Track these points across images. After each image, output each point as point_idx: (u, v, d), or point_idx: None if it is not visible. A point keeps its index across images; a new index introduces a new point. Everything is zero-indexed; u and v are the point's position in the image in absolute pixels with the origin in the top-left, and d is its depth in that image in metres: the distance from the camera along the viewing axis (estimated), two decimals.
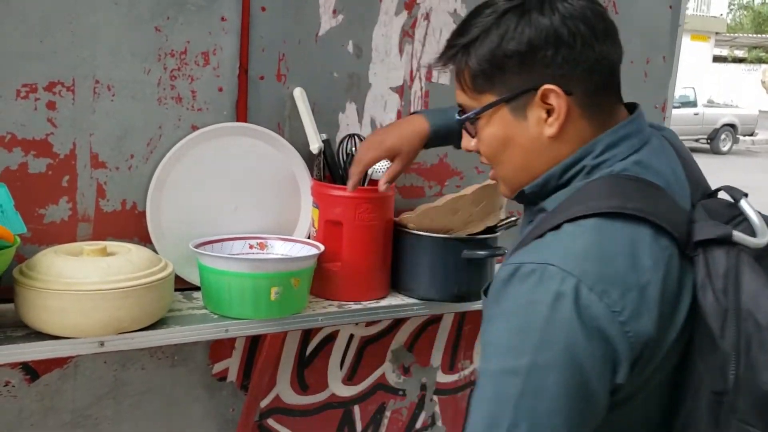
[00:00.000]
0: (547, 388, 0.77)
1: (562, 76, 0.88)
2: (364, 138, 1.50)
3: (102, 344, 1.19)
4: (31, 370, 1.37)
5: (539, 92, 0.89)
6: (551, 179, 0.93)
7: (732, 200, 0.91)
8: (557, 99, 0.88)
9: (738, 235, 0.83)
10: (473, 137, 0.97)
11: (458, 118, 0.97)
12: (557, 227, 0.84)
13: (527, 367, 0.78)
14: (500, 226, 1.51)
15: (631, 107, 0.95)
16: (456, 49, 0.93)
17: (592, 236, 0.83)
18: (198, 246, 1.36)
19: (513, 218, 1.53)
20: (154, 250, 1.35)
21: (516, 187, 0.97)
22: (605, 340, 0.77)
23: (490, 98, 0.92)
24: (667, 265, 0.82)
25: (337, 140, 1.57)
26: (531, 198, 0.96)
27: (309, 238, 1.50)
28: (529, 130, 0.92)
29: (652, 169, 0.90)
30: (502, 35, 0.88)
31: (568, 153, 0.92)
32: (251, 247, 1.46)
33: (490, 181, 1.48)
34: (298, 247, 1.46)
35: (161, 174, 1.38)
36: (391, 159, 1.38)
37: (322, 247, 1.41)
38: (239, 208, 1.47)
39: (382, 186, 1.39)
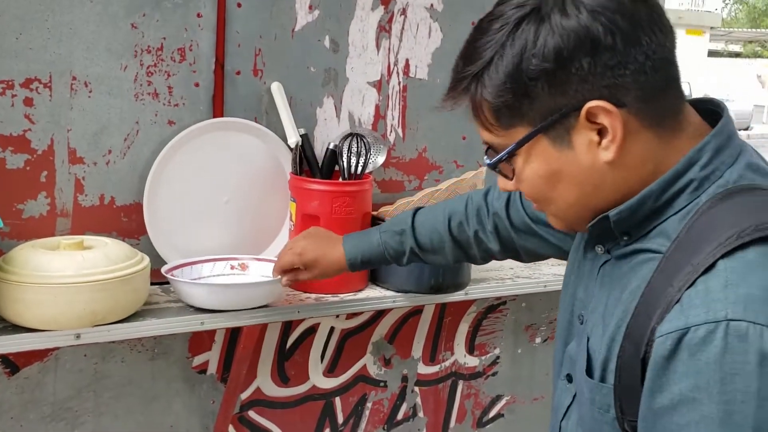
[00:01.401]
0: None
1: (608, 86, 0.72)
2: (365, 137, 1.50)
3: (78, 337, 1.21)
4: (11, 364, 1.38)
5: (583, 112, 0.73)
6: (647, 200, 0.76)
7: None
8: (608, 116, 0.73)
9: None
10: (511, 179, 0.82)
11: (488, 162, 0.82)
12: (710, 267, 0.68)
13: None
14: None
15: (696, 103, 0.82)
16: (467, 80, 0.77)
17: (765, 270, 0.67)
18: (181, 266, 1.38)
19: None
20: (133, 245, 1.37)
21: (577, 222, 0.82)
22: None
23: (521, 131, 0.76)
24: None
25: (315, 135, 1.59)
26: (618, 227, 0.79)
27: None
28: (580, 159, 0.76)
29: (764, 171, 0.77)
30: (521, 52, 0.73)
31: (638, 175, 0.76)
32: (233, 268, 1.47)
33: (466, 175, 1.50)
34: None
35: (155, 172, 1.40)
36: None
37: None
38: (230, 201, 1.49)
39: (273, 274, 1.32)
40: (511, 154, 0.78)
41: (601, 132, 0.74)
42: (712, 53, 25.44)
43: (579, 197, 0.79)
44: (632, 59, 0.72)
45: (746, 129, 17.66)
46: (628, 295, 0.77)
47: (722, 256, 0.68)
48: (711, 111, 0.80)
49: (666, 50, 0.74)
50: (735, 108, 17.32)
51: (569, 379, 0.93)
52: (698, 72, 21.33)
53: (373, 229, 1.31)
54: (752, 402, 0.64)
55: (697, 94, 16.77)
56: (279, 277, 1.30)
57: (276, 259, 1.32)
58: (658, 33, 0.73)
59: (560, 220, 0.84)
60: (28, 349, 1.20)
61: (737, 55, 28.71)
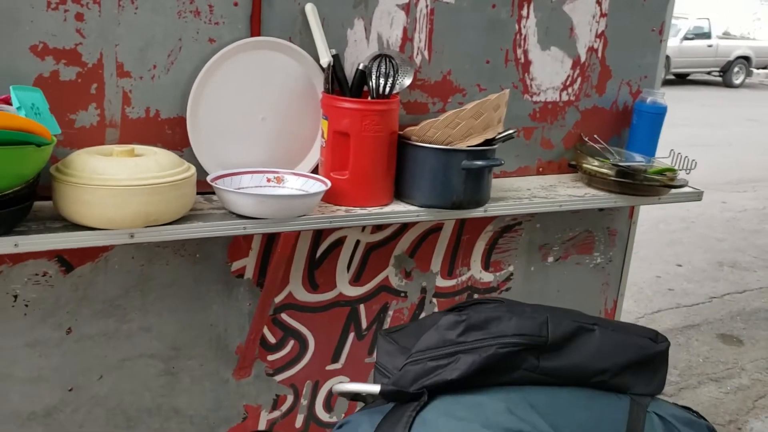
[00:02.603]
0: None
1: None
2: (394, 58, 1.56)
3: (132, 236, 1.32)
4: (66, 263, 1.50)
5: None
6: None
7: None
8: None
9: None
10: None
11: None
12: None
13: None
14: (498, 138, 1.62)
15: None
16: None
17: None
18: (222, 177, 1.48)
19: (511, 131, 1.63)
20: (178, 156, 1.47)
21: None
22: None
23: None
24: None
25: (345, 56, 1.66)
26: None
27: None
28: None
29: None
30: None
31: None
32: (269, 180, 1.57)
33: (490, 97, 1.58)
34: (310, 182, 1.55)
35: (197, 88, 1.48)
36: None
37: (328, 184, 1.51)
38: (266, 118, 1.58)
39: None
40: None
41: None
42: None
43: None
44: None
45: (766, 68, 17.34)
46: None
47: None
48: None
49: None
50: (756, 45, 16.99)
51: None
52: (720, 8, 20.79)
53: None
54: None
55: (717, 31, 16.30)
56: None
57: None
58: None
59: None
60: (87, 245, 1.31)
61: None
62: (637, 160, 1.93)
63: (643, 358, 1.08)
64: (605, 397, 1.05)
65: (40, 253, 1.45)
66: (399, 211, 1.60)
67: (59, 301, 1.52)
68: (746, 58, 16.04)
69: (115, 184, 1.25)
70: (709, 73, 15.68)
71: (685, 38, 14.69)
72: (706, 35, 15.44)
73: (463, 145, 1.56)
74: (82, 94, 1.42)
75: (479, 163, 1.57)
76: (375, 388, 1.09)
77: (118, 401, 1.64)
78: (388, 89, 1.58)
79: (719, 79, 15.80)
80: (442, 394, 1.02)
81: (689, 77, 15.48)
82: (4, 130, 1.11)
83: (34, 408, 1.55)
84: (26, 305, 1.48)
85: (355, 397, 1.18)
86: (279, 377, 1.83)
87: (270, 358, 1.80)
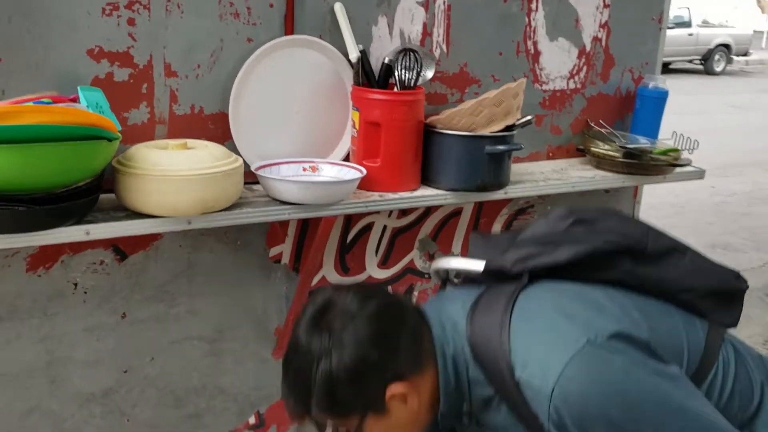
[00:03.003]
0: None
1: (394, 373, 1.05)
2: (418, 52, 1.67)
3: (189, 222, 1.43)
4: (121, 251, 1.61)
5: (388, 395, 1.04)
6: (452, 405, 1.10)
7: None
8: (403, 388, 1.05)
9: None
10: None
11: None
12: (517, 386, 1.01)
13: None
14: (518, 124, 1.74)
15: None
16: (299, 409, 1.07)
17: None
18: (263, 167, 1.59)
19: (529, 117, 1.75)
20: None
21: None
22: None
23: (355, 418, 1.06)
24: None
25: (371, 51, 1.77)
26: (449, 418, 1.11)
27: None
28: (401, 416, 1.07)
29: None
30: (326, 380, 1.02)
31: (430, 398, 1.09)
32: (304, 170, 1.68)
33: (510, 85, 1.70)
34: (344, 170, 1.66)
35: (238, 85, 1.58)
36: None
37: (364, 172, 1.62)
38: (300, 111, 1.69)
39: None
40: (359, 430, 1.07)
41: (404, 397, 1.06)
42: None
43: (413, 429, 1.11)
44: (397, 362, 1.05)
45: (745, 55, 17.61)
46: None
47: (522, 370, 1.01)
48: None
49: (414, 351, 1.08)
50: (735, 33, 17.25)
51: None
52: None
53: None
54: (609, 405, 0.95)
55: (696, 19, 16.57)
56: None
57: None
58: (401, 328, 1.07)
59: None
60: (150, 231, 1.42)
61: None
62: (642, 142, 2.05)
63: (725, 290, 1.17)
64: (688, 315, 1.14)
65: (97, 242, 1.56)
66: (428, 195, 1.72)
67: (114, 288, 1.62)
68: (726, 46, 16.30)
69: (176, 174, 1.36)
70: (690, 61, 15.91)
71: (667, 27, 14.89)
72: (687, 24, 15.68)
73: (486, 131, 1.68)
74: (134, 93, 1.53)
75: (501, 147, 1.69)
76: (478, 265, 1.16)
77: (168, 381, 1.74)
78: (413, 81, 1.70)
79: (700, 67, 16.04)
80: (542, 279, 1.11)
81: (671, 66, 15.70)
82: (82, 126, 1.21)
83: (93, 389, 1.65)
84: (85, 292, 1.59)
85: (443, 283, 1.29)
86: None
87: None
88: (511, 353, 1.02)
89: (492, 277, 1.15)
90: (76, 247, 1.55)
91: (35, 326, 1.56)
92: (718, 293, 1.16)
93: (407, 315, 1.11)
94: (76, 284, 1.57)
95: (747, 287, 1.20)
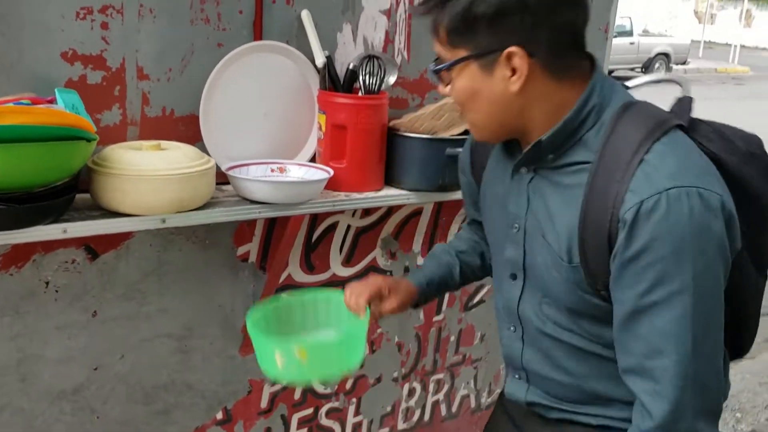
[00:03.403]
0: None
1: (527, 39, 1.00)
2: (382, 59, 1.76)
3: (164, 221, 1.47)
4: (92, 251, 1.64)
5: (504, 53, 1.01)
6: (567, 124, 1.05)
7: None
8: (520, 61, 1.01)
9: None
10: (446, 86, 1.11)
11: (433, 68, 1.09)
12: (641, 162, 0.98)
13: None
14: None
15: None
16: (433, 3, 1.05)
17: (674, 153, 0.99)
18: (233, 167, 1.64)
19: None
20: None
21: (485, 135, 1.13)
22: None
23: (462, 53, 1.04)
24: None
25: (336, 57, 1.84)
26: (548, 149, 1.08)
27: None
28: (495, 86, 1.04)
29: (629, 93, 1.10)
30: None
31: (537, 108, 1.06)
32: (272, 170, 1.74)
33: None
34: (311, 171, 1.73)
35: (209, 88, 1.63)
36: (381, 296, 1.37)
37: (332, 172, 1.69)
38: (268, 113, 1.75)
39: (358, 310, 1.32)
40: (450, 67, 1.06)
41: (514, 71, 1.02)
42: None
43: (489, 113, 1.08)
44: (550, 25, 1.00)
45: (684, 63, 18.31)
46: (574, 198, 1.07)
47: (645, 153, 0.99)
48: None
49: (577, 25, 1.05)
50: (674, 43, 17.91)
51: (513, 277, 1.24)
52: (639, 7, 21.81)
53: (423, 266, 1.50)
54: (688, 239, 0.97)
55: (637, 29, 17.16)
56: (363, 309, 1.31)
57: (353, 290, 1.35)
58: (575, 11, 1.04)
59: (476, 129, 1.13)
60: (126, 230, 1.46)
61: None
62: None
63: None
64: None
65: (69, 241, 1.58)
66: (391, 194, 1.80)
67: (86, 287, 1.65)
68: (666, 55, 16.93)
69: (153, 174, 1.41)
70: (632, 69, 16.47)
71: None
72: (629, 33, 16.23)
73: (447, 135, 1.77)
74: (107, 95, 1.56)
75: (461, 149, 1.77)
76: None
77: (138, 378, 1.78)
78: (376, 86, 1.78)
79: (642, 74, 16.61)
80: None
81: (614, 73, 16.22)
82: (62, 126, 1.25)
83: (64, 386, 1.68)
84: (56, 291, 1.61)
85: None
86: None
87: None
88: (648, 147, 1.00)
89: None
90: (48, 246, 1.57)
91: (6, 325, 1.57)
92: None
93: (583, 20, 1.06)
94: (47, 283, 1.60)
95: None
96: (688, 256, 0.97)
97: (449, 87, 1.10)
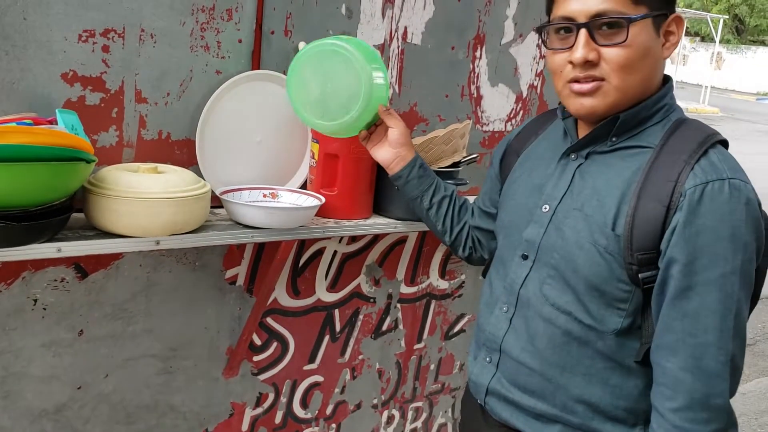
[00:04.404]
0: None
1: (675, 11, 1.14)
2: None
3: (158, 243, 1.49)
4: (82, 269, 1.65)
5: (672, 17, 1.13)
6: (643, 110, 1.16)
7: None
8: (678, 27, 1.13)
9: None
10: (622, 42, 1.11)
11: (632, 17, 1.11)
12: (704, 154, 1.10)
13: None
14: (464, 161, 1.89)
15: None
16: None
17: (728, 158, 1.12)
18: (226, 192, 1.67)
19: (474, 155, 1.91)
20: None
21: (620, 103, 1.15)
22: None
23: (643, 10, 1.11)
24: None
25: None
26: (620, 128, 1.17)
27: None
28: (658, 48, 1.14)
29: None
30: None
31: (655, 84, 1.17)
32: (265, 195, 1.77)
33: (457, 125, 1.85)
34: (303, 198, 1.76)
35: (205, 114, 1.66)
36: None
37: (323, 200, 1.73)
38: (262, 141, 1.78)
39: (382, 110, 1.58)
40: (642, 19, 1.11)
41: (668, 37, 1.14)
42: None
43: (650, 75, 1.15)
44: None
45: None
46: (630, 174, 1.16)
47: (706, 150, 1.11)
48: None
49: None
50: None
51: (524, 257, 1.30)
52: None
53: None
54: (743, 226, 1.07)
55: None
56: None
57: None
58: None
59: (617, 94, 1.15)
60: (120, 251, 1.47)
61: None
62: None
63: None
64: None
65: (60, 260, 1.60)
66: (379, 223, 1.84)
67: (74, 305, 1.65)
68: None
69: (150, 196, 1.43)
70: None
71: None
72: None
73: (435, 167, 1.82)
74: (104, 117, 1.59)
75: (449, 182, 1.82)
76: None
77: (121, 398, 1.78)
78: None
79: None
80: None
81: None
82: (64, 147, 1.27)
83: (46, 405, 1.67)
84: (44, 308, 1.62)
85: None
86: (262, 376, 2.01)
87: (255, 358, 1.98)
88: (706, 147, 1.12)
89: None
90: (38, 264, 1.58)
91: None
92: None
93: None
94: (35, 300, 1.60)
95: None
96: (741, 241, 1.06)
97: (617, 47, 1.12)
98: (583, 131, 1.27)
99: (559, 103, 1.30)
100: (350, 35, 1.89)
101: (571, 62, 1.16)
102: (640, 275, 1.13)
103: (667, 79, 1.22)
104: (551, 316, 1.23)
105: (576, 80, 1.17)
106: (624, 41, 1.12)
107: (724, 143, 1.17)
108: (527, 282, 1.29)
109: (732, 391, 1.09)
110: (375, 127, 1.60)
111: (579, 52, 1.14)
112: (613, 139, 1.21)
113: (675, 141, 1.14)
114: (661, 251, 1.11)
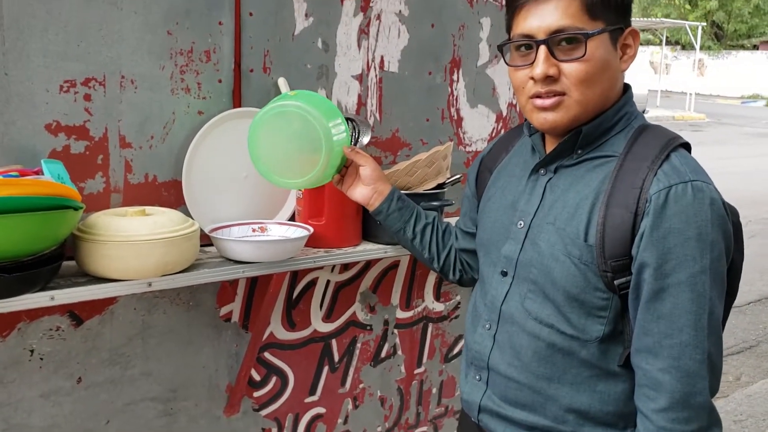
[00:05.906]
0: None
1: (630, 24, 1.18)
2: (356, 121, 1.86)
3: (150, 285, 1.50)
4: (76, 317, 1.66)
5: (628, 30, 1.17)
6: (605, 121, 1.20)
7: None
8: (634, 40, 1.18)
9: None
10: (581, 57, 1.14)
11: (589, 32, 1.13)
12: (667, 158, 1.12)
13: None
14: (447, 183, 1.91)
15: None
16: None
17: (688, 160, 1.15)
18: (215, 229, 1.69)
19: (457, 176, 1.93)
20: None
21: (581, 116, 1.18)
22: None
23: (601, 25, 1.14)
24: None
25: None
26: (583, 140, 1.21)
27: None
28: (616, 61, 1.18)
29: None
30: None
31: (619, 93, 1.22)
32: (254, 230, 1.79)
33: (439, 148, 1.87)
34: (291, 230, 1.78)
35: (190, 154, 1.69)
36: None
37: (312, 230, 1.74)
38: (248, 176, 1.81)
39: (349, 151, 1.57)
40: (600, 34, 1.14)
41: (625, 49, 1.18)
42: None
43: (608, 88, 1.19)
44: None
45: (643, 112, 18.85)
46: (597, 184, 1.19)
47: (668, 154, 1.14)
48: None
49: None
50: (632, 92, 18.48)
51: (503, 274, 1.32)
52: None
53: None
54: (709, 226, 1.09)
55: None
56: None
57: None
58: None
59: (578, 108, 1.18)
60: (113, 295, 1.48)
61: None
62: None
63: None
64: None
65: (54, 308, 1.61)
66: (369, 249, 1.85)
67: (71, 353, 1.66)
68: None
69: (139, 238, 1.45)
70: None
71: None
72: None
73: (420, 190, 1.84)
74: (90, 164, 1.61)
75: (435, 203, 1.85)
76: None
77: None
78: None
79: None
80: None
81: None
82: (51, 196, 1.29)
83: None
84: (41, 358, 1.62)
85: None
86: (264, 412, 2.01)
87: (255, 394, 1.98)
88: (668, 152, 1.15)
89: None
90: (33, 314, 1.59)
91: None
92: None
93: None
94: (32, 351, 1.61)
95: None
96: (708, 240, 1.08)
97: (576, 62, 1.15)
98: (550, 145, 1.30)
99: (525, 119, 1.33)
100: (328, 68, 1.93)
101: (532, 78, 1.19)
102: (615, 282, 1.15)
103: (626, 89, 1.26)
104: (534, 330, 1.24)
105: (538, 95, 1.20)
106: (583, 56, 1.14)
107: (687, 146, 1.20)
108: (508, 298, 1.30)
109: (713, 389, 1.11)
110: (345, 168, 1.59)
111: (539, 68, 1.16)
112: (579, 151, 1.23)
113: (638, 148, 1.17)
114: (632, 257, 1.13)
